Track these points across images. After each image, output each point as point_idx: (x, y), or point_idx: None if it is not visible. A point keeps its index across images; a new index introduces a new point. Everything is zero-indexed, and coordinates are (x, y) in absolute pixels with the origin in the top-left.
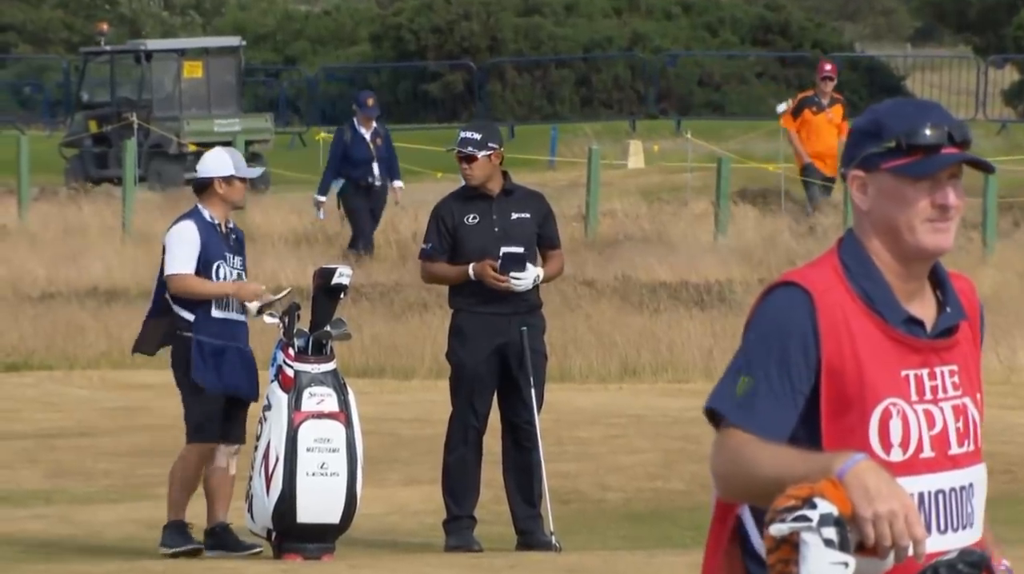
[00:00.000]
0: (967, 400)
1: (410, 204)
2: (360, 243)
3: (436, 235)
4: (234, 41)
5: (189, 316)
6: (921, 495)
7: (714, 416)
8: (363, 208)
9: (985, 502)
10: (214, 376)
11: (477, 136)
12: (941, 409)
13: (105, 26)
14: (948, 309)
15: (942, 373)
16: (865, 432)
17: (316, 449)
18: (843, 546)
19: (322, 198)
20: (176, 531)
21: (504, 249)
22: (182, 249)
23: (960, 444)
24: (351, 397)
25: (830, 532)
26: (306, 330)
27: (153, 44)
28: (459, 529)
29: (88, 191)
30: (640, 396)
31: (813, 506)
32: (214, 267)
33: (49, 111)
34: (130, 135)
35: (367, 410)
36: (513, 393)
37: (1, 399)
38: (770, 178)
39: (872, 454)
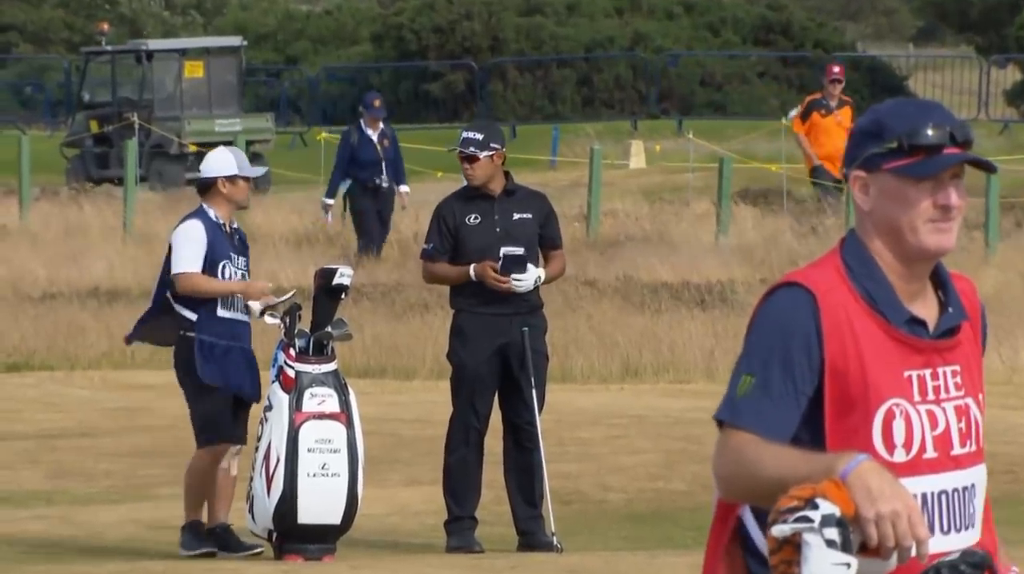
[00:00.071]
0: (969, 400)
1: (411, 204)
2: (362, 244)
3: (437, 235)
4: (235, 41)
5: (192, 315)
6: (924, 496)
7: (722, 420)
8: (370, 210)
9: (991, 506)
10: (219, 375)
11: (479, 136)
12: (943, 409)
13: (106, 26)
14: (950, 309)
15: (944, 373)
16: (868, 433)
17: (317, 450)
18: (845, 547)
19: (330, 201)
20: (192, 534)
21: (504, 250)
22: (189, 248)
23: (962, 444)
24: (352, 398)
25: (832, 533)
26: (307, 330)
27: (154, 44)
28: (460, 530)
29: (89, 191)
30: (641, 396)
31: (815, 507)
32: (219, 267)
33: (50, 111)
34: (131, 135)
35: (368, 411)
36: (514, 393)
37: (2, 399)
38: (772, 178)
39: (875, 455)
